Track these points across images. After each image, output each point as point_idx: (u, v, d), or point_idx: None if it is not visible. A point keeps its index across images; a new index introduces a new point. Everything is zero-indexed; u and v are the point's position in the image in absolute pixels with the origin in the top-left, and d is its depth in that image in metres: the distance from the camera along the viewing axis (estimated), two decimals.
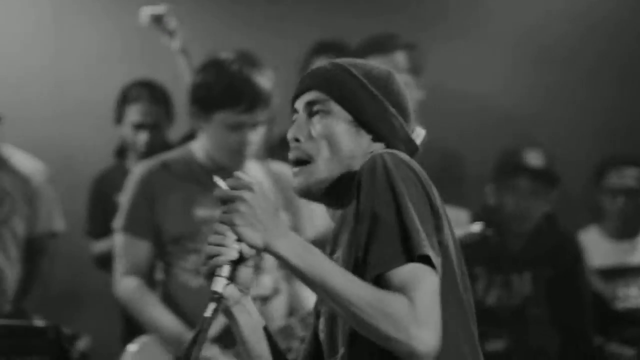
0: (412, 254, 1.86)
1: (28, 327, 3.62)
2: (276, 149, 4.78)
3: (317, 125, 2.11)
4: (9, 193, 4.39)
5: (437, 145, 4.23)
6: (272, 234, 1.92)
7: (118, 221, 3.70)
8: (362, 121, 2.12)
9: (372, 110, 2.12)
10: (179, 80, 4.39)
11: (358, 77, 2.12)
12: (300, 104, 2.15)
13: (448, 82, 5.14)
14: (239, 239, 1.95)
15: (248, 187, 1.94)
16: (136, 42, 5.12)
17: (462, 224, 3.85)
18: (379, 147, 2.10)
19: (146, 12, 4.49)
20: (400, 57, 4.16)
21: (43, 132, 5.20)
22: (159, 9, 4.49)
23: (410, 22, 5.04)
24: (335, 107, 2.12)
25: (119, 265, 3.67)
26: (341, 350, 2.01)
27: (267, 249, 1.93)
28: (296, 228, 3.70)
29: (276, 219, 1.94)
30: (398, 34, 4.28)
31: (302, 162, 2.11)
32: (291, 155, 2.12)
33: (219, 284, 1.97)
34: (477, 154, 4.95)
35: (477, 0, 5.38)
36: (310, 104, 2.13)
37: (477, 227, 3.46)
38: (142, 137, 4.70)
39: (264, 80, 3.54)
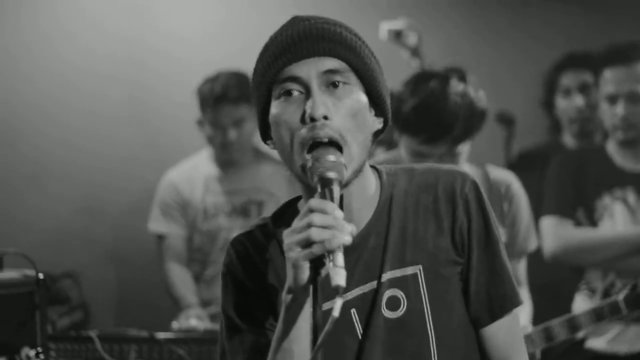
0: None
1: None
2: (515, 161, 4.72)
3: (346, 100, 1.85)
4: (273, 194, 4.51)
5: None
6: None
7: None
8: (374, 95, 1.91)
9: (382, 83, 1.94)
10: None
11: (368, 46, 1.92)
12: (311, 72, 1.85)
13: None
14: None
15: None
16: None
17: None
18: (378, 124, 1.93)
19: (385, 27, 4.52)
20: None
21: None
22: (398, 24, 4.48)
23: None
24: (354, 79, 1.88)
25: None
26: None
27: None
28: (513, 243, 3.53)
29: None
30: None
31: (335, 144, 1.83)
32: (321, 133, 1.81)
33: (342, 277, 1.65)
34: None
35: None
36: (329, 73, 1.86)
37: None
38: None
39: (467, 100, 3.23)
